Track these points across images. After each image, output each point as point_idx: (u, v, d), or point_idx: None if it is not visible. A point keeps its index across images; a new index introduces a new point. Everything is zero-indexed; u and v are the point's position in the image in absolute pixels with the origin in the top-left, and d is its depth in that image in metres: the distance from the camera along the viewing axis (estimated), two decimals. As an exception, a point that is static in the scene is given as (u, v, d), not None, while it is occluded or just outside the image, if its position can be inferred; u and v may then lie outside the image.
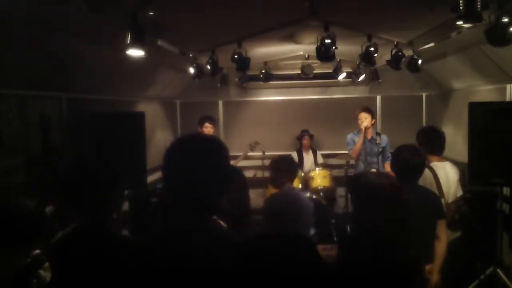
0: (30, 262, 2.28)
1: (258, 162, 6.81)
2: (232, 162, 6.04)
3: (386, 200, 2.24)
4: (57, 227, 2.51)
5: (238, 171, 2.59)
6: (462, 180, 4.67)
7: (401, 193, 2.36)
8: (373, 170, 5.29)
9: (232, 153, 6.66)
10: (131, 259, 1.73)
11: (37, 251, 2.36)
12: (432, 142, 3.99)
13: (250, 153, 6.56)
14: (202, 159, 1.46)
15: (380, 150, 5.27)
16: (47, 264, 2.33)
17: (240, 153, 6.56)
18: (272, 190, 5.99)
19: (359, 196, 2.39)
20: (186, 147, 1.51)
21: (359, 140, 5.47)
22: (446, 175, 3.88)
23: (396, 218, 2.23)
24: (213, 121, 6.23)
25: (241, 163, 6.31)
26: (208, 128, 5.99)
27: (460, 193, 4.03)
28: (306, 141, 7.13)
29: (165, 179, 1.51)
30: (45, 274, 2.30)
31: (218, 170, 1.48)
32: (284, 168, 3.79)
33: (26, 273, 2.25)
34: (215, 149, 1.51)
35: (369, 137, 5.49)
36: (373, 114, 5.54)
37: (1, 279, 2.23)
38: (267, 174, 6.41)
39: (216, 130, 6.53)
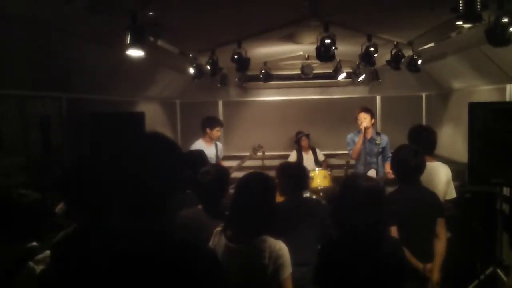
0: (19, 254, 2.23)
1: (258, 163, 6.79)
2: (235, 164, 6.10)
3: (365, 203, 2.26)
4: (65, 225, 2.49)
5: (265, 178, 2.64)
6: (462, 180, 4.67)
7: (382, 197, 2.40)
8: (373, 170, 5.29)
9: (232, 154, 6.77)
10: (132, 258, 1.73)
11: (34, 243, 2.31)
12: (422, 142, 3.72)
13: (254, 155, 6.48)
14: (145, 158, 1.42)
15: (380, 150, 5.26)
16: (40, 257, 2.29)
17: (240, 153, 6.55)
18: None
19: (342, 198, 2.43)
20: (130, 146, 1.47)
21: (359, 140, 5.47)
22: (432, 175, 3.67)
23: (375, 221, 2.25)
24: (222, 124, 5.96)
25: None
26: (218, 132, 5.75)
27: (452, 195, 3.78)
28: (304, 142, 7.08)
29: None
30: (36, 266, 2.24)
31: (164, 168, 1.43)
32: (293, 175, 3.48)
33: (14, 264, 2.18)
34: (156, 147, 1.46)
35: (369, 137, 5.49)
36: (372, 114, 5.54)
37: None
38: (267, 174, 6.40)
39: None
